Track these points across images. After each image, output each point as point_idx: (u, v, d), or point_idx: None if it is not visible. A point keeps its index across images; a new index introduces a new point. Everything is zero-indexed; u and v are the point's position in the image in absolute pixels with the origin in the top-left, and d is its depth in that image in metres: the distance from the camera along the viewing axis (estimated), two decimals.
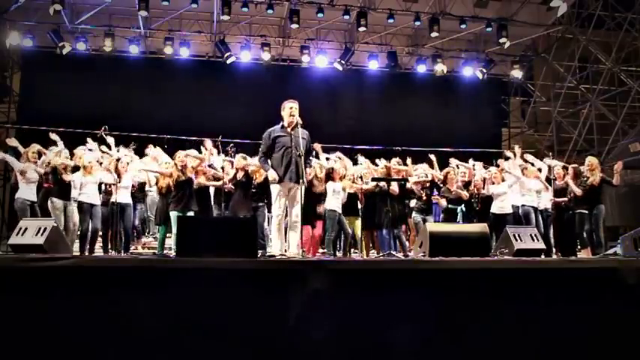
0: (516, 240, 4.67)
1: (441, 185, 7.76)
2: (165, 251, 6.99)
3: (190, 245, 3.55)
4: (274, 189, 5.12)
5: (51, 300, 3.03)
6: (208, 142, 7.54)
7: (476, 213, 7.69)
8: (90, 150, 7.71)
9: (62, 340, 2.99)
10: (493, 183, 7.62)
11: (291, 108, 5.11)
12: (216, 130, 8.23)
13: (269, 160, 5.12)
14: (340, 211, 7.28)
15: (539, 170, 7.84)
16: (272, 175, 5.02)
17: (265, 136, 5.17)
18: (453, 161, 8.25)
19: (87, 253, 6.88)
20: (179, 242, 3.78)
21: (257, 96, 11.89)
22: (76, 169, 7.00)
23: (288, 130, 5.09)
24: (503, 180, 7.61)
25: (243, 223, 4.25)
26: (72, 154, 7.22)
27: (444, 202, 7.56)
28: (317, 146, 7.29)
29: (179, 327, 3.05)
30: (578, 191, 7.29)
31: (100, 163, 7.37)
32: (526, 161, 7.94)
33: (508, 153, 8.19)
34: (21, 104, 12.14)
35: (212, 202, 7.37)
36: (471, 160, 8.49)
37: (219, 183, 7.18)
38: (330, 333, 3.18)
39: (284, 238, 5.26)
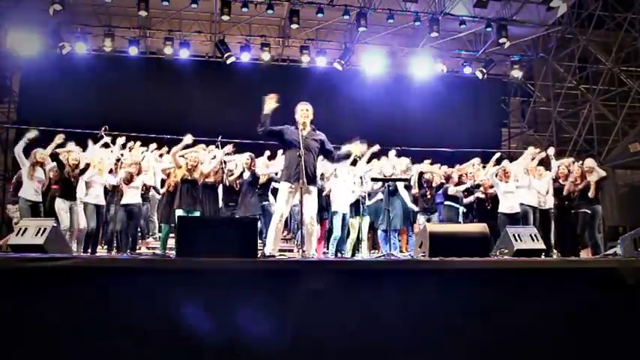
0: (516, 240, 4.67)
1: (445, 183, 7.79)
2: (166, 251, 6.99)
3: (190, 245, 3.54)
4: (281, 188, 5.08)
5: (51, 300, 3.03)
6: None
7: (480, 212, 7.68)
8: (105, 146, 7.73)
9: (62, 339, 2.99)
10: (503, 179, 7.55)
11: (302, 110, 5.14)
12: (216, 130, 8.22)
13: (271, 130, 5.09)
14: (345, 212, 7.28)
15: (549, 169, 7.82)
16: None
17: (282, 126, 5.16)
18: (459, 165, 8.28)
19: (89, 253, 6.88)
20: (179, 242, 3.77)
21: (257, 96, 11.81)
22: (85, 169, 6.95)
23: (302, 132, 5.09)
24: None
25: (243, 223, 4.25)
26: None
27: (452, 189, 7.56)
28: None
29: (179, 327, 3.05)
30: (592, 193, 7.33)
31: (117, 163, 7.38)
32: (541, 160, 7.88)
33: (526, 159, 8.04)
34: (21, 104, 12.14)
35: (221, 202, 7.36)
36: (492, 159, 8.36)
37: (233, 178, 7.18)
38: (330, 333, 3.18)
39: (280, 238, 5.25)
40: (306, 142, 5.02)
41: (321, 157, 6.13)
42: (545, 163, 7.96)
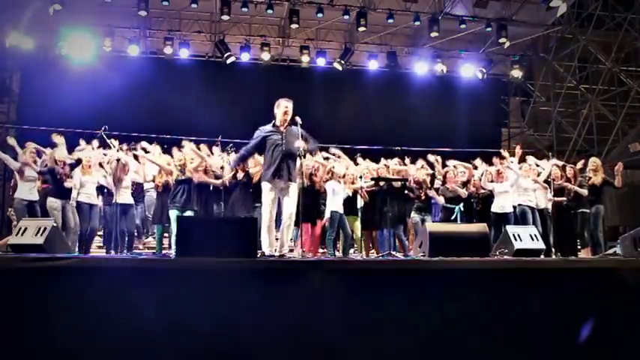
0: (516, 240, 4.67)
1: (441, 184, 7.75)
2: (164, 251, 6.98)
3: (190, 245, 3.54)
4: (264, 188, 5.11)
5: (51, 300, 3.03)
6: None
7: (475, 213, 7.68)
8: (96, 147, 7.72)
9: (62, 339, 2.99)
10: (494, 180, 7.53)
11: (286, 107, 5.15)
12: (216, 130, 8.22)
13: (245, 156, 5.30)
14: (342, 212, 7.28)
15: (539, 174, 7.80)
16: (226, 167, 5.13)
17: (256, 135, 5.19)
18: (452, 162, 8.24)
19: (84, 253, 6.87)
20: (179, 242, 3.78)
21: (257, 96, 11.87)
22: (75, 165, 6.94)
23: (281, 129, 5.11)
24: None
25: (243, 223, 4.25)
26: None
27: (441, 199, 7.53)
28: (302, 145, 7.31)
29: (179, 327, 3.05)
30: (585, 192, 7.29)
31: (101, 165, 7.37)
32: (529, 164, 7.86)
33: (504, 153, 8.11)
34: (21, 104, 12.14)
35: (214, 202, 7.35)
36: (479, 160, 8.38)
37: (219, 182, 7.17)
38: (330, 332, 3.18)
39: (274, 237, 5.26)
40: (286, 139, 5.07)
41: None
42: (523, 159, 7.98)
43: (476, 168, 8.11)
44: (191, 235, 3.64)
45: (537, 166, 7.84)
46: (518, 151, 8.01)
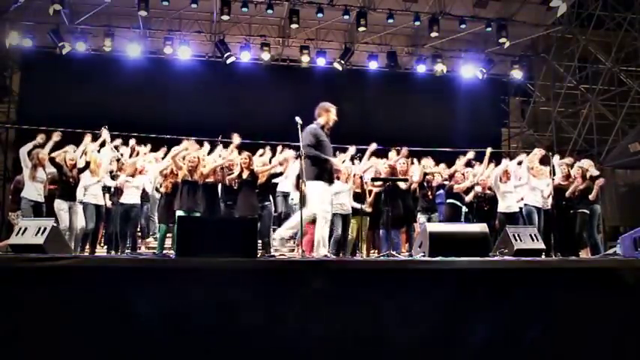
0: (516, 240, 4.67)
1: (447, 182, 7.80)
2: (164, 251, 6.98)
3: (190, 245, 3.54)
4: (317, 186, 5.06)
5: (51, 300, 3.03)
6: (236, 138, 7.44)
7: (479, 212, 7.67)
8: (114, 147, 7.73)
9: (62, 339, 2.99)
10: (502, 179, 7.53)
11: (335, 113, 5.27)
12: (216, 129, 8.20)
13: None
14: (345, 212, 7.27)
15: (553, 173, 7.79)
16: (339, 163, 5.02)
17: (312, 132, 5.12)
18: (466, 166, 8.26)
19: (88, 253, 6.87)
20: (179, 242, 3.77)
21: (257, 96, 11.91)
22: (84, 168, 6.93)
23: (326, 131, 5.14)
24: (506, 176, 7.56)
25: (243, 223, 4.25)
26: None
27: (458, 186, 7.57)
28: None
29: (179, 327, 3.05)
30: (593, 195, 7.32)
31: (112, 169, 7.40)
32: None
33: (540, 150, 8.04)
34: (21, 104, 12.16)
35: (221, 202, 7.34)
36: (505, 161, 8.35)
37: (230, 177, 7.16)
38: (329, 333, 3.18)
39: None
40: (330, 143, 5.18)
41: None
42: (544, 162, 7.94)
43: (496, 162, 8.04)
44: (191, 235, 3.64)
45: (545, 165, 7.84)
46: (537, 155, 7.96)
